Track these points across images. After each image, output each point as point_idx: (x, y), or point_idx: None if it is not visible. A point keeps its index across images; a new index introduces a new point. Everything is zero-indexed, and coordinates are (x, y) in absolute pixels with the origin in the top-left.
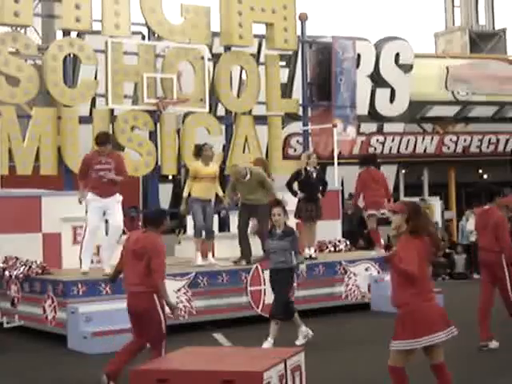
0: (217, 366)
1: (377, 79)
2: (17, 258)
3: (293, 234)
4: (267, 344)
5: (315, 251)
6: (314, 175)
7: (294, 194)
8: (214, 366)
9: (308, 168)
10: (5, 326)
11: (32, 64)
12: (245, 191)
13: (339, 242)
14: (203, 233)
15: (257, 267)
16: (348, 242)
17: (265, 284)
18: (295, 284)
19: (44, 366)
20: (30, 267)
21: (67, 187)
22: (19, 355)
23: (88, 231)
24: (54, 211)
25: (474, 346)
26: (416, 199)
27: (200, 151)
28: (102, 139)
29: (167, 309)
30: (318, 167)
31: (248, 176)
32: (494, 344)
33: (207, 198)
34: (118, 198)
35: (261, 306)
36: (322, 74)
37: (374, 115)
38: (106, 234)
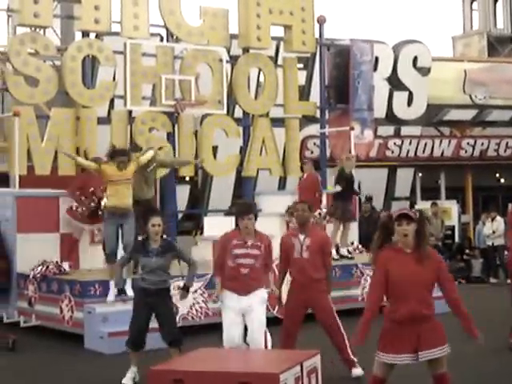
0: (233, 367)
1: (394, 82)
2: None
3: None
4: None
5: (348, 251)
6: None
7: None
8: (230, 367)
9: (346, 169)
10: (22, 325)
11: (51, 65)
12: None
13: (352, 244)
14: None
15: None
16: (362, 246)
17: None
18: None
19: (61, 366)
20: (48, 267)
21: None
22: (36, 355)
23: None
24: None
25: (497, 346)
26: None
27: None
28: None
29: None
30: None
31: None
32: None
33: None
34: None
35: (277, 308)
36: (340, 76)
37: (391, 118)
38: None
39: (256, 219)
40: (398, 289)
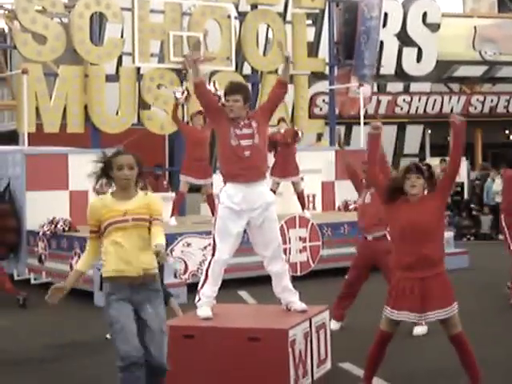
0: (242, 323)
1: (404, 38)
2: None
3: None
4: None
5: None
6: None
7: None
8: (239, 324)
9: None
10: (32, 282)
11: (59, 22)
12: None
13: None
14: None
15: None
16: None
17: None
18: None
19: (71, 323)
20: (57, 224)
21: (94, 145)
22: (47, 312)
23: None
24: (81, 169)
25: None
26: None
27: None
28: None
29: None
30: None
31: None
32: None
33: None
34: None
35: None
36: (349, 33)
37: (400, 75)
38: None
39: (246, 103)
40: (402, 237)
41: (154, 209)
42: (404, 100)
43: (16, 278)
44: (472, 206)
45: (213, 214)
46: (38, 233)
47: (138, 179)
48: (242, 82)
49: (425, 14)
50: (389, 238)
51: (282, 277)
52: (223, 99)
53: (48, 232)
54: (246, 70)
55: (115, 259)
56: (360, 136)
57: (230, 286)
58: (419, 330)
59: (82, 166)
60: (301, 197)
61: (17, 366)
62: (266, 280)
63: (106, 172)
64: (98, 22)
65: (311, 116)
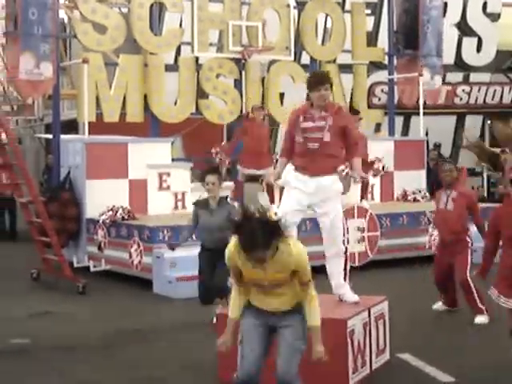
0: None
1: (464, 28)
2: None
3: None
4: None
5: None
6: None
7: None
8: None
9: None
10: (92, 270)
11: (118, 12)
12: None
13: (420, 192)
14: None
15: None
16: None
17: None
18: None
19: (130, 310)
20: (117, 212)
21: (153, 134)
22: (105, 299)
23: None
24: (141, 158)
25: None
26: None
27: None
28: None
29: None
30: None
31: None
32: None
33: None
34: None
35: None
36: (409, 22)
37: (460, 65)
38: None
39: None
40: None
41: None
42: (463, 90)
43: (76, 265)
44: None
45: (272, 203)
46: (98, 221)
47: None
48: (326, 71)
49: (485, 4)
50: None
51: (334, 265)
52: (311, 89)
53: (107, 220)
54: (305, 59)
55: None
56: (420, 126)
57: None
58: (481, 319)
59: (142, 155)
60: (362, 187)
61: (75, 351)
62: (321, 270)
63: None
64: (157, 12)
65: (369, 106)
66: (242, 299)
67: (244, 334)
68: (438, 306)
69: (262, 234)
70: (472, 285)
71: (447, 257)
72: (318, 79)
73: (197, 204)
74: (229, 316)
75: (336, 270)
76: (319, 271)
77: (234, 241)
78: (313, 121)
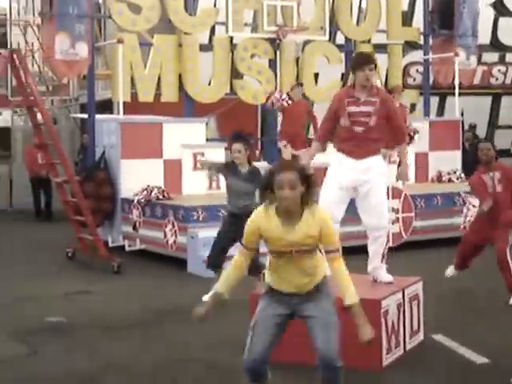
0: (335, 292)
1: (500, 8)
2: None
3: (260, 176)
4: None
5: None
6: None
7: None
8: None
9: None
10: (126, 249)
11: None
12: None
13: (455, 172)
14: None
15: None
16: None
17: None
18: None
19: (165, 289)
20: (151, 192)
21: (187, 114)
22: (140, 278)
23: None
24: (175, 138)
25: None
26: None
27: None
28: None
29: None
30: None
31: None
32: None
33: None
34: None
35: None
36: (444, 1)
37: (496, 45)
38: None
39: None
40: None
41: None
42: (499, 70)
43: (110, 244)
44: None
45: None
46: (133, 200)
47: None
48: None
49: None
50: None
51: (376, 245)
52: (355, 69)
53: (142, 200)
54: (340, 39)
55: None
56: (455, 107)
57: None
58: None
59: (176, 135)
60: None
61: (111, 330)
62: (355, 251)
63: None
64: None
65: (405, 86)
66: (235, 277)
67: (258, 322)
68: (450, 270)
69: (296, 165)
70: (511, 263)
71: (487, 229)
72: (363, 59)
73: (227, 165)
74: (216, 286)
75: (378, 251)
76: (352, 252)
77: (263, 205)
78: (358, 105)
